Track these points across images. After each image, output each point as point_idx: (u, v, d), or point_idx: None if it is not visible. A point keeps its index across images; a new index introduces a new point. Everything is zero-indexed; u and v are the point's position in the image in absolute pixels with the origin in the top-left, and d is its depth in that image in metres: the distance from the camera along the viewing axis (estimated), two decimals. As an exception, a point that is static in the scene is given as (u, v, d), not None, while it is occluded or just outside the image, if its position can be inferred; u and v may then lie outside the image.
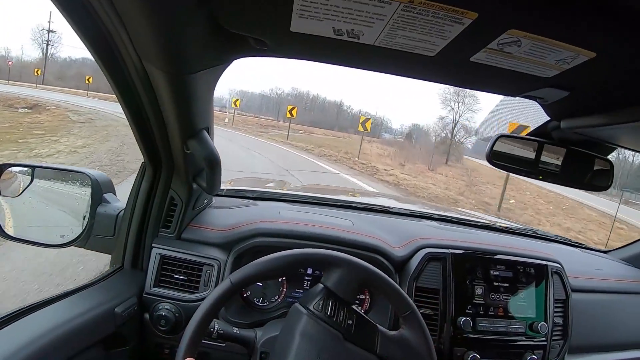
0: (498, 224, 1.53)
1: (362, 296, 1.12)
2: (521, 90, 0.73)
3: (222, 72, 0.77)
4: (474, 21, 0.47)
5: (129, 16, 0.56)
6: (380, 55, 0.61)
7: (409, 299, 0.76)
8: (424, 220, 1.39)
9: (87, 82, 29.47)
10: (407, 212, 1.43)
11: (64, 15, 0.58)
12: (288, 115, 18.62)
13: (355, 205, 1.41)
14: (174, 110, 0.77)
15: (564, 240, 1.53)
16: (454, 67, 0.64)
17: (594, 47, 0.50)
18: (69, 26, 0.60)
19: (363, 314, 0.75)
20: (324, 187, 3.25)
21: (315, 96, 73.04)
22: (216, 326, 0.79)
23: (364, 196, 1.83)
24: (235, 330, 0.84)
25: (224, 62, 0.74)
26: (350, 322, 0.72)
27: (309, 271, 1.11)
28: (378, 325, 0.75)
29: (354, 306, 0.75)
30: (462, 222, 1.42)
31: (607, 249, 1.56)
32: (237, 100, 25.12)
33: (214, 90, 0.82)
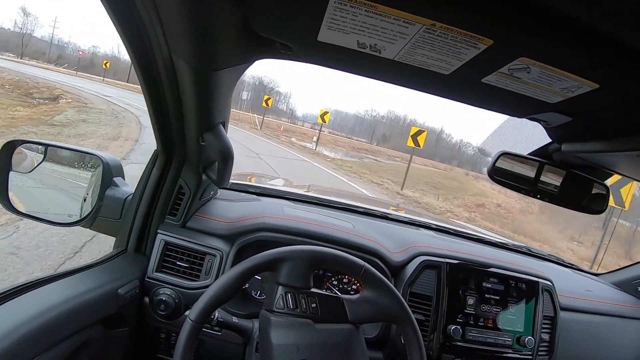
0: (494, 238, 1.56)
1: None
2: (527, 113, 0.76)
3: (244, 71, 0.80)
4: (489, 47, 0.50)
5: (165, 10, 0.59)
6: (398, 69, 0.64)
7: (357, 259, 0.77)
8: (421, 229, 1.42)
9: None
10: (406, 219, 1.46)
11: (102, 3, 0.61)
12: (410, 143, 12.23)
13: (356, 209, 1.44)
14: (195, 104, 0.80)
15: (557, 260, 1.57)
16: (466, 87, 0.67)
17: (597, 79, 0.53)
18: (106, 13, 0.63)
19: (324, 292, 0.76)
20: (326, 188, 3.28)
21: (413, 120, 70.09)
22: (217, 314, 0.82)
23: (364, 201, 1.85)
24: (235, 319, 0.86)
25: (248, 61, 0.76)
26: (314, 305, 0.73)
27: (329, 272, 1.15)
28: (341, 295, 0.77)
29: (313, 289, 0.75)
30: (458, 234, 1.45)
31: (599, 272, 1.59)
32: (325, 113, 18.76)
33: (234, 87, 0.84)
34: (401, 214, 1.54)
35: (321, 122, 18.92)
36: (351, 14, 0.49)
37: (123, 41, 0.69)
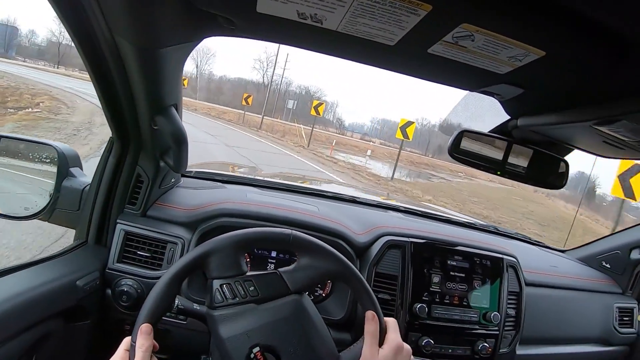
0: (462, 219, 1.58)
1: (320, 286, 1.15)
2: (478, 85, 0.76)
3: (191, 50, 0.78)
4: (429, 13, 0.49)
5: None
6: (343, 41, 0.63)
7: (283, 229, 0.75)
8: (389, 211, 1.42)
9: (245, 102, 23.59)
10: (374, 202, 1.47)
11: None
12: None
13: (323, 193, 1.43)
14: (143, 85, 0.78)
15: (523, 237, 1.60)
16: (413, 58, 0.66)
17: (543, 47, 0.53)
18: None
19: (258, 273, 0.74)
20: (295, 175, 3.27)
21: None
22: (177, 301, 0.80)
23: (333, 186, 1.85)
24: (196, 306, 0.84)
25: (194, 39, 0.74)
26: (252, 288, 0.71)
27: (273, 254, 1.13)
28: (277, 270, 0.75)
29: (248, 272, 0.73)
30: (426, 215, 1.47)
31: (564, 249, 1.63)
32: (409, 124, 12.03)
33: (182, 68, 0.82)
34: (370, 197, 1.55)
35: (403, 138, 12.47)
36: None
37: (63, 23, 0.67)
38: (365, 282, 0.74)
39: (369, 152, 19.38)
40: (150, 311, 0.66)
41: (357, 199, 1.45)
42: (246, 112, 26.78)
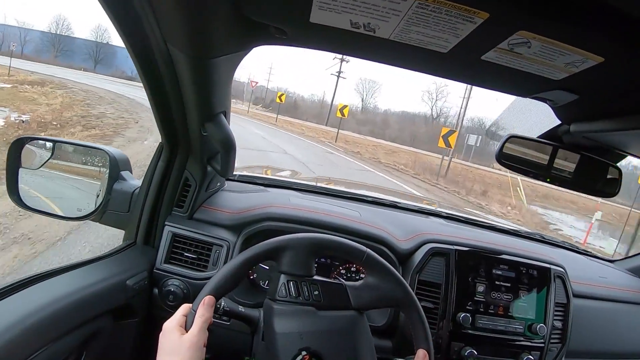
0: (506, 226, 1.53)
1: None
2: (531, 91, 0.74)
3: (241, 59, 0.80)
4: (485, 21, 0.49)
5: (158, 0, 0.59)
6: (395, 49, 0.63)
7: (359, 245, 0.76)
8: (431, 217, 1.40)
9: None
10: (416, 208, 1.45)
11: None
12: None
13: (364, 198, 1.43)
14: (194, 93, 0.80)
15: (570, 246, 1.54)
16: (466, 65, 0.65)
17: (602, 53, 0.51)
18: (100, 6, 0.63)
19: (325, 279, 0.75)
20: (335, 179, 3.27)
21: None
22: (222, 303, 0.82)
23: (373, 190, 1.84)
24: (241, 308, 0.86)
25: (245, 49, 0.76)
26: (316, 292, 0.72)
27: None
28: (344, 281, 0.76)
29: (316, 276, 0.75)
30: (469, 222, 1.43)
31: (613, 259, 1.56)
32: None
33: (233, 76, 0.84)
34: (410, 202, 1.53)
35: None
36: None
37: (119, 33, 0.70)
38: (424, 317, 0.75)
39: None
40: (216, 285, 0.70)
41: (398, 204, 1.44)
42: (421, 151, 20.99)
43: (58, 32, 53.47)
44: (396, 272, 0.75)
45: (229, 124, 0.92)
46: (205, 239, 1.06)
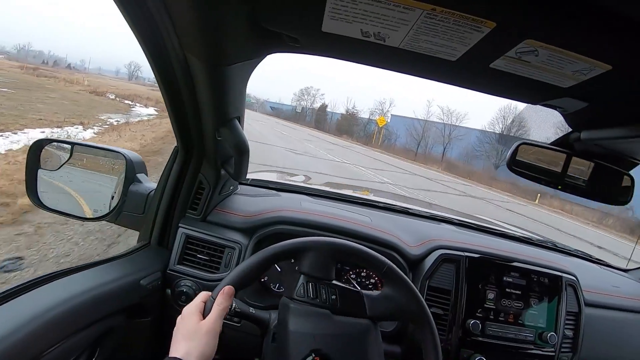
0: (518, 233, 1.52)
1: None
2: (540, 99, 0.75)
3: (256, 65, 0.82)
4: (493, 30, 0.50)
5: (175, 9, 0.61)
6: (405, 57, 0.64)
7: (381, 257, 0.77)
8: (442, 223, 1.40)
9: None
10: (427, 214, 1.45)
11: (116, 4, 0.63)
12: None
13: (375, 204, 1.43)
14: (209, 99, 0.82)
15: (583, 255, 1.52)
16: (475, 73, 0.66)
17: (610, 60, 0.52)
18: (120, 13, 0.66)
19: (345, 285, 0.76)
20: (346, 184, 3.28)
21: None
22: (234, 304, 0.84)
23: (385, 196, 1.84)
24: (252, 310, 0.88)
25: (259, 56, 0.78)
26: (334, 297, 0.74)
27: None
28: (362, 290, 0.77)
29: (334, 281, 0.76)
30: (481, 229, 1.43)
31: (627, 269, 1.54)
32: None
33: (247, 83, 0.86)
34: (422, 208, 1.53)
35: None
36: (352, 3, 0.50)
37: (138, 40, 0.72)
38: (437, 335, 0.75)
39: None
40: (237, 276, 0.71)
41: (410, 210, 1.44)
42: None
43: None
44: (414, 287, 0.76)
45: (242, 129, 0.94)
46: (218, 241, 1.08)
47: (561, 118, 0.88)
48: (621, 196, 0.99)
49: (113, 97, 28.58)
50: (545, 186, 1.01)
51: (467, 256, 1.10)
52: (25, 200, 3.24)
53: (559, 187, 0.99)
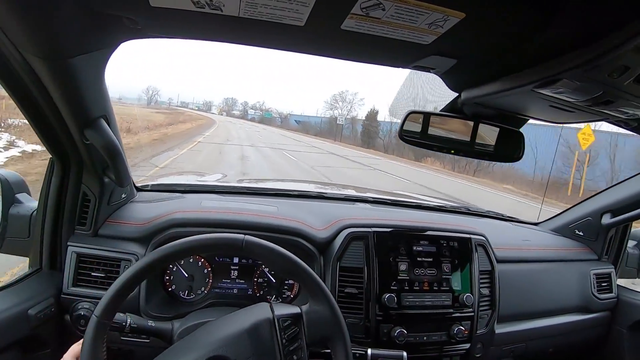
0: (432, 202, 1.56)
1: (291, 282, 1.13)
2: (407, 61, 0.74)
3: (108, 57, 0.76)
4: None
5: None
6: (250, 27, 0.61)
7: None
8: (357, 203, 1.40)
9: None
10: (342, 196, 1.45)
11: None
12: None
13: (289, 192, 1.41)
14: (64, 98, 0.75)
15: (495, 215, 1.59)
16: (327, 37, 0.64)
17: (461, 7, 0.51)
18: None
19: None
20: (265, 178, 3.24)
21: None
22: (128, 320, 0.77)
23: (305, 184, 1.83)
24: (150, 323, 0.82)
25: (106, 45, 0.72)
26: (295, 357, 0.70)
27: (235, 260, 1.11)
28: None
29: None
30: (396, 203, 1.45)
31: (538, 222, 1.63)
32: None
33: (103, 77, 0.79)
34: (338, 191, 1.53)
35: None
36: None
37: None
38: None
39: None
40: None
41: (324, 195, 1.43)
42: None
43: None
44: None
45: (112, 128, 0.87)
46: (112, 255, 1.00)
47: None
48: (511, 152, 1.02)
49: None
50: (437, 152, 1.04)
51: (374, 232, 1.10)
52: None
53: (452, 152, 1.01)
